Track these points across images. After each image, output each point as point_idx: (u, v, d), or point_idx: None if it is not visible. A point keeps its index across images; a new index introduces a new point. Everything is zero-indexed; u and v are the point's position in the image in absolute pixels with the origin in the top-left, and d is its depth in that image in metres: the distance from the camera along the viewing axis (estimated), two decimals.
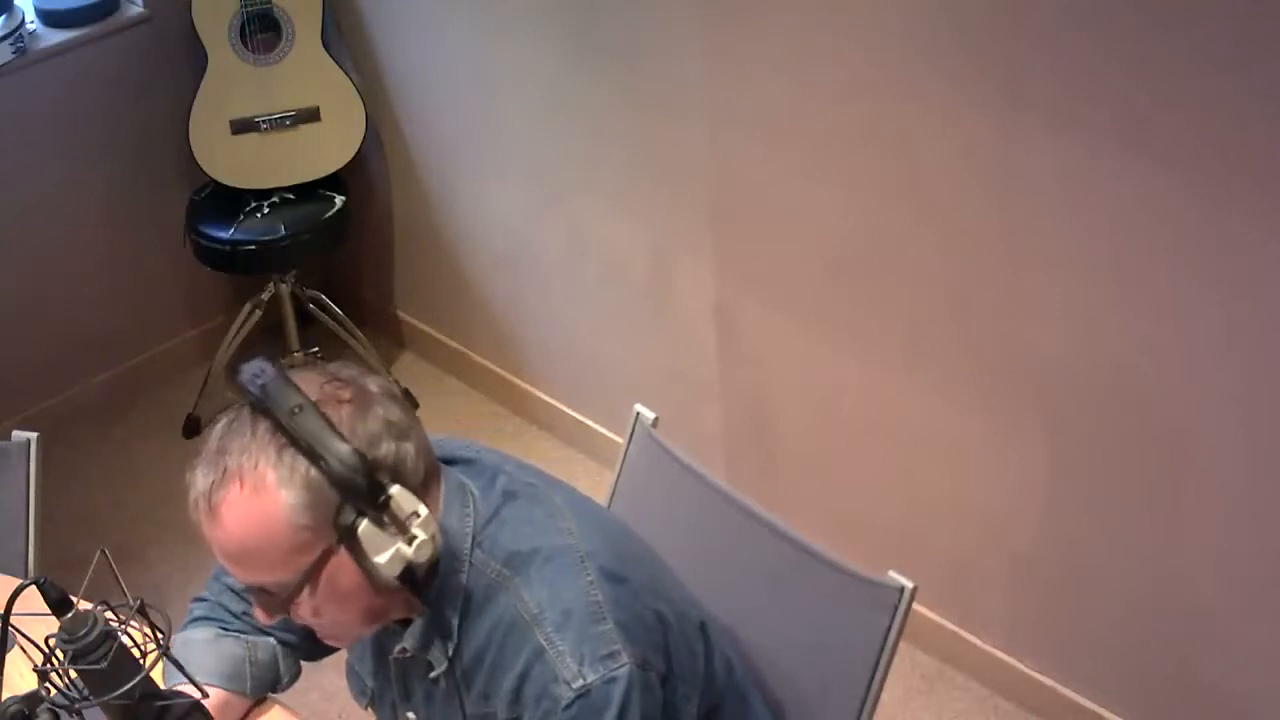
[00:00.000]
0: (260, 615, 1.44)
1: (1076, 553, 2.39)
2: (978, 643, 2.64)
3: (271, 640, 1.66)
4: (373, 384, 1.41)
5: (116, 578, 1.33)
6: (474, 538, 1.44)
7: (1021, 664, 2.59)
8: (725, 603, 1.72)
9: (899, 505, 2.61)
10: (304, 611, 1.41)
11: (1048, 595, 2.49)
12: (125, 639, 1.30)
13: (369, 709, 1.68)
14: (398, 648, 1.50)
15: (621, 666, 1.38)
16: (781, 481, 2.80)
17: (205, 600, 1.69)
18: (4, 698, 1.34)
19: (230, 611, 1.66)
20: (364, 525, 1.34)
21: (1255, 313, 1.99)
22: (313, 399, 1.34)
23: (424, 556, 1.37)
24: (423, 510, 1.36)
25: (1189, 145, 1.93)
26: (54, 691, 1.30)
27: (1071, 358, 2.21)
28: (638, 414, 1.93)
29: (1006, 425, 2.36)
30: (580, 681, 1.37)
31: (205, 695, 1.40)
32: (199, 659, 1.61)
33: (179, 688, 1.45)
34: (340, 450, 1.32)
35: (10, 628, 1.28)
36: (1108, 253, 2.09)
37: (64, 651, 1.27)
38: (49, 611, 1.26)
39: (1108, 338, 2.16)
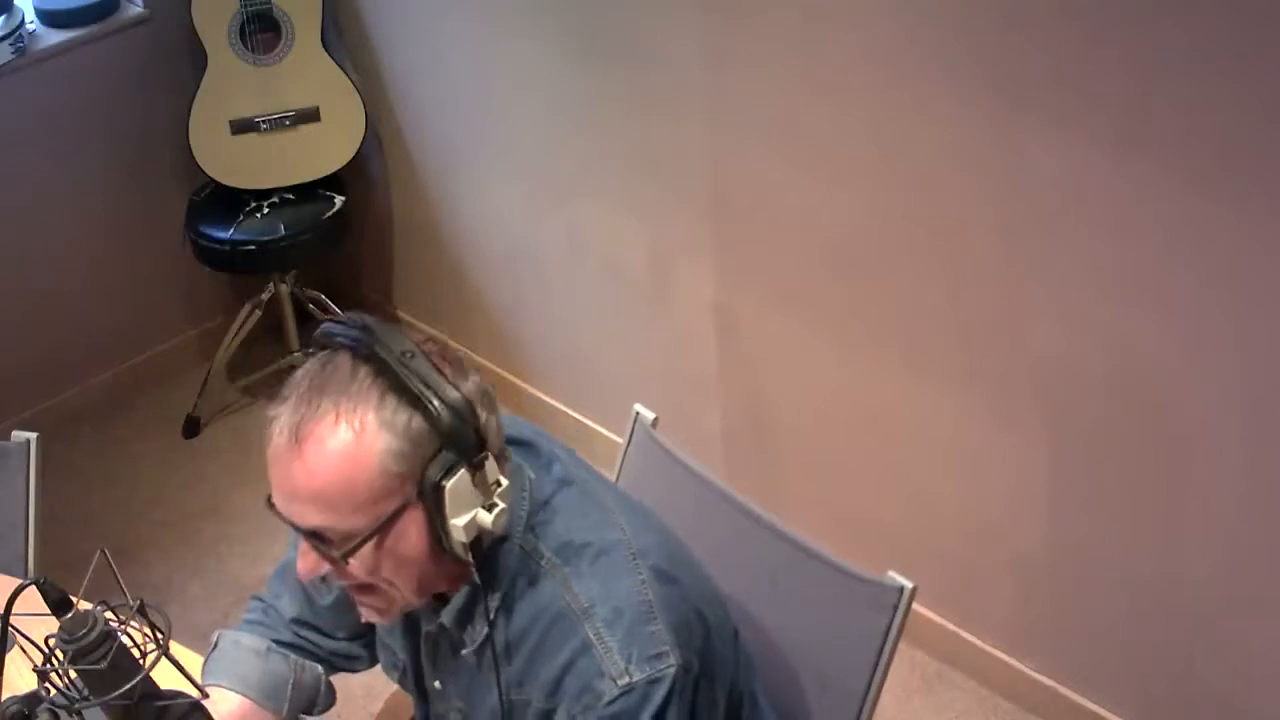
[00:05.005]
0: (305, 567, 1.37)
1: (1077, 553, 2.39)
2: (978, 643, 2.64)
3: (319, 668, 1.66)
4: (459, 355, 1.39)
5: (116, 578, 1.32)
6: (527, 521, 1.43)
7: (1021, 664, 2.59)
8: (726, 603, 1.72)
9: (899, 505, 2.61)
10: (359, 568, 1.35)
11: (1048, 595, 2.49)
12: (125, 639, 1.30)
13: (400, 684, 1.67)
14: (433, 624, 1.49)
15: (669, 668, 1.38)
16: (781, 481, 2.80)
17: (261, 601, 1.68)
18: (4, 698, 1.34)
19: (283, 618, 1.65)
20: (455, 480, 1.30)
21: (1256, 312, 1.99)
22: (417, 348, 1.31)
23: (498, 528, 1.35)
24: (504, 481, 1.35)
25: (1189, 145, 1.93)
26: (54, 691, 1.30)
27: (1071, 357, 2.21)
28: (637, 414, 1.93)
29: (1006, 425, 2.36)
30: (626, 679, 1.37)
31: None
32: (243, 669, 1.60)
33: (210, 687, 1.46)
34: (454, 397, 1.29)
35: (10, 628, 1.28)
36: (1108, 252, 2.09)
37: (64, 651, 1.26)
38: (49, 611, 1.26)
39: (1108, 337, 2.16)
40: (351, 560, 1.34)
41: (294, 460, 1.30)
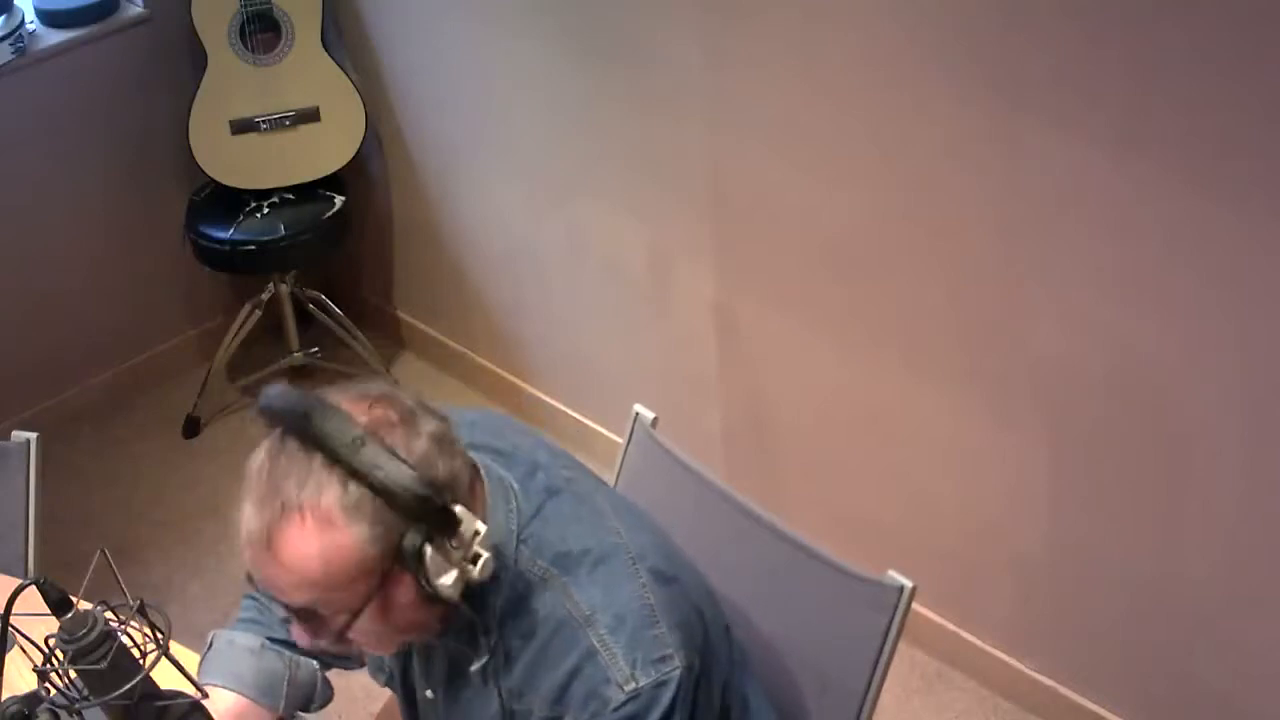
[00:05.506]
0: (303, 638, 1.39)
1: (1077, 553, 2.39)
2: (978, 643, 2.64)
3: (315, 664, 1.66)
4: (406, 397, 1.37)
5: (116, 578, 1.32)
6: (518, 535, 1.43)
7: (1021, 664, 2.59)
8: (725, 602, 1.72)
9: (899, 505, 2.61)
10: (358, 633, 1.37)
11: (1048, 595, 2.49)
12: (125, 639, 1.30)
13: (387, 686, 1.67)
14: (430, 643, 1.49)
15: (674, 670, 1.39)
16: (781, 481, 2.80)
17: (255, 599, 1.69)
18: (4, 698, 1.34)
19: (277, 615, 1.65)
20: (430, 553, 1.30)
21: (1256, 312, 1.99)
22: (363, 423, 1.30)
23: (486, 574, 1.35)
24: (483, 528, 1.34)
25: (1189, 145, 1.93)
26: (54, 691, 1.30)
27: (1071, 357, 2.21)
28: (637, 414, 1.93)
29: (1006, 425, 2.36)
30: (633, 684, 1.38)
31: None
32: (238, 667, 1.61)
33: (209, 687, 1.45)
34: (409, 480, 1.28)
35: (10, 628, 1.28)
36: (1108, 252, 2.09)
37: (64, 651, 1.27)
38: (49, 611, 1.26)
39: (1108, 337, 2.16)
40: (348, 633, 1.36)
41: (271, 566, 1.31)
